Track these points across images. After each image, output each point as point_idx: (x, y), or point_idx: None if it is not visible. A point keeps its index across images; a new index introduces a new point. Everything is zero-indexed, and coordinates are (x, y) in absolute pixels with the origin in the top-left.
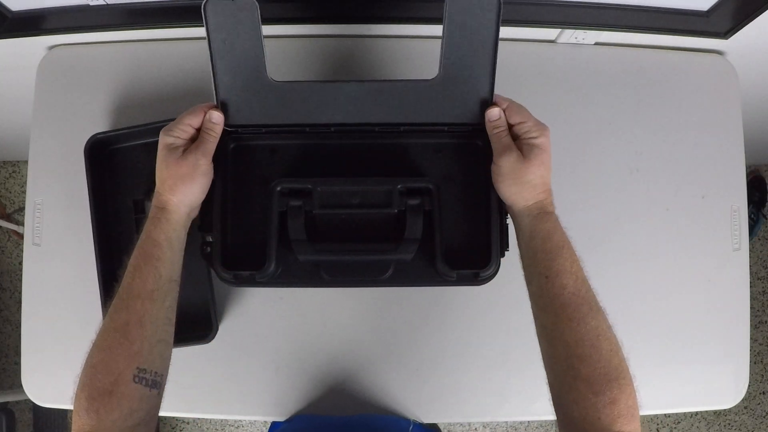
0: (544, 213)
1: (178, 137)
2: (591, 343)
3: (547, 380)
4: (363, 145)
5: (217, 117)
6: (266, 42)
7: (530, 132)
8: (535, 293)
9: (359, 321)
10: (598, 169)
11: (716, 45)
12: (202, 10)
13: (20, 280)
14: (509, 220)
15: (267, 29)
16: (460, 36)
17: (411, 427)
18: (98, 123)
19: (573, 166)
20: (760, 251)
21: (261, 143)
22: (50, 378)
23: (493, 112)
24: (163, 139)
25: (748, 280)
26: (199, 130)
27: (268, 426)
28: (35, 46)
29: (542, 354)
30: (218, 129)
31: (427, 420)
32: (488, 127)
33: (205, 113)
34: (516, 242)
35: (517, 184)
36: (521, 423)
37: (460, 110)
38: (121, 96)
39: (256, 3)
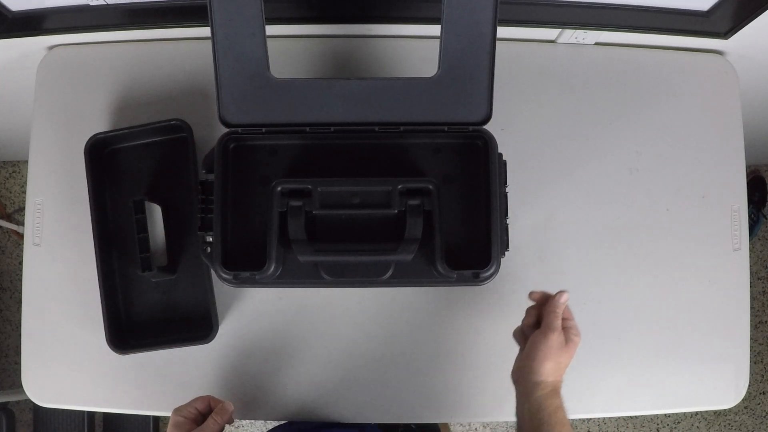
0: (556, 391)
1: (185, 417)
2: None
3: None
4: (363, 145)
5: (228, 405)
6: (267, 41)
7: (572, 329)
8: None
9: (359, 321)
10: (598, 169)
11: (716, 45)
12: (209, 5)
13: (20, 280)
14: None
15: (267, 29)
16: (457, 33)
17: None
18: (98, 123)
19: (573, 166)
20: (760, 251)
21: (261, 143)
22: (50, 378)
23: (565, 296)
24: (173, 417)
25: (748, 280)
26: (204, 415)
27: (269, 426)
28: (35, 46)
29: None
30: (225, 418)
31: (428, 420)
32: (552, 305)
33: (211, 402)
34: (515, 409)
35: (551, 360)
36: None
37: (459, 109)
38: (121, 96)
39: None
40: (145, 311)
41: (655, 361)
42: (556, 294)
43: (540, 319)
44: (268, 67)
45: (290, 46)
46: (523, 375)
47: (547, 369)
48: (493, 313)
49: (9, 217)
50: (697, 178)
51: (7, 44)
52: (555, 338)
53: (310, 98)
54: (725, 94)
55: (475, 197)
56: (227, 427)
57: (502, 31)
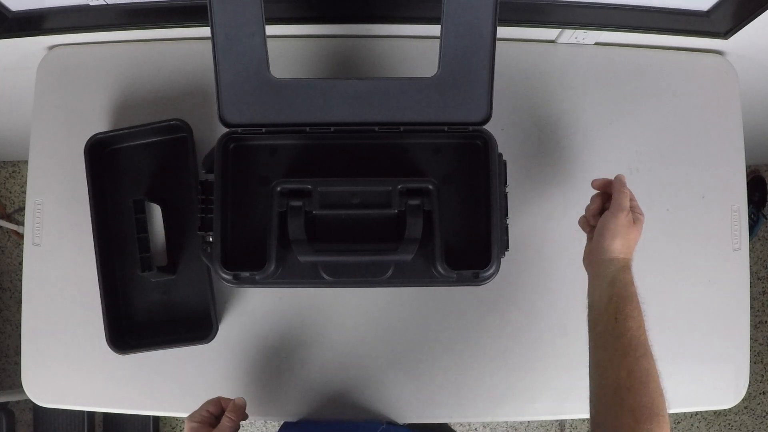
0: (627, 267)
1: (199, 422)
2: (641, 379)
3: (590, 413)
4: (363, 145)
5: (240, 401)
6: (267, 41)
7: (636, 209)
8: (599, 333)
9: (359, 321)
10: (598, 169)
11: (716, 45)
12: (209, 5)
13: (20, 280)
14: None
15: (267, 29)
16: (457, 33)
17: (382, 427)
18: (98, 123)
19: (573, 166)
20: (760, 251)
21: (261, 143)
22: (50, 378)
23: (623, 176)
24: (187, 424)
25: (748, 280)
26: (217, 417)
27: (268, 426)
28: (35, 46)
29: (591, 389)
30: (239, 414)
31: (427, 420)
32: (618, 185)
33: (222, 402)
34: (587, 293)
35: (621, 239)
36: (521, 423)
37: (459, 109)
38: (121, 96)
39: None
40: (145, 311)
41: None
42: (616, 176)
43: (604, 207)
44: (268, 67)
45: (290, 46)
46: (595, 255)
47: (618, 246)
48: (493, 313)
49: (9, 217)
50: (697, 178)
51: (7, 44)
52: (624, 217)
53: (310, 98)
54: (725, 94)
55: (475, 197)
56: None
57: (502, 31)
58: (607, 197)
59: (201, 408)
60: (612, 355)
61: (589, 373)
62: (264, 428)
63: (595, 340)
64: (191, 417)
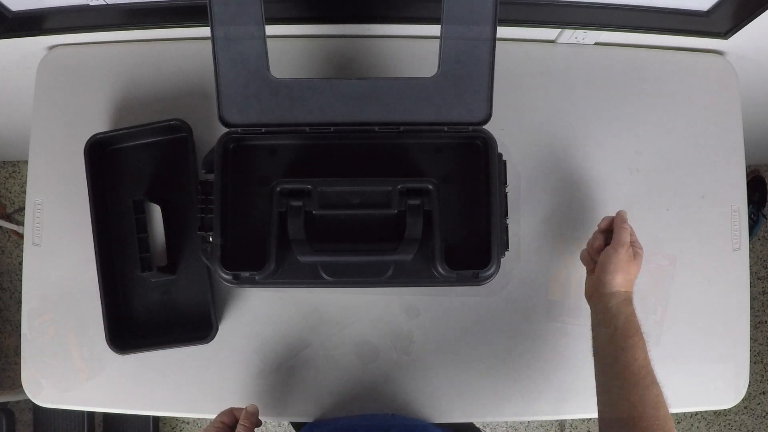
0: (628, 300)
1: None
2: (652, 405)
3: None
4: (363, 145)
5: (252, 408)
6: (267, 41)
7: (636, 243)
8: (608, 364)
9: (359, 321)
10: (598, 169)
11: (716, 45)
12: (208, 5)
13: (20, 280)
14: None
15: (267, 29)
16: (457, 33)
17: (390, 413)
18: (98, 123)
19: (573, 167)
20: (760, 251)
21: (261, 143)
22: (50, 378)
23: (624, 212)
24: None
25: (748, 280)
26: (231, 426)
27: (268, 427)
28: (35, 46)
29: (603, 414)
30: (253, 421)
31: (427, 420)
32: (619, 221)
33: (235, 412)
34: (591, 325)
35: (622, 273)
36: (521, 423)
37: (459, 109)
38: (121, 96)
39: None
40: (145, 311)
41: (654, 361)
42: (618, 212)
43: (606, 243)
44: (268, 67)
45: (290, 46)
46: (597, 289)
47: (619, 280)
48: (494, 313)
49: (9, 217)
50: (697, 178)
51: (7, 44)
52: (624, 252)
53: (310, 98)
54: (725, 94)
55: (475, 197)
56: None
57: (502, 31)
58: (609, 235)
59: (215, 420)
60: (623, 383)
61: (598, 398)
62: (263, 428)
63: (604, 370)
64: (206, 430)
